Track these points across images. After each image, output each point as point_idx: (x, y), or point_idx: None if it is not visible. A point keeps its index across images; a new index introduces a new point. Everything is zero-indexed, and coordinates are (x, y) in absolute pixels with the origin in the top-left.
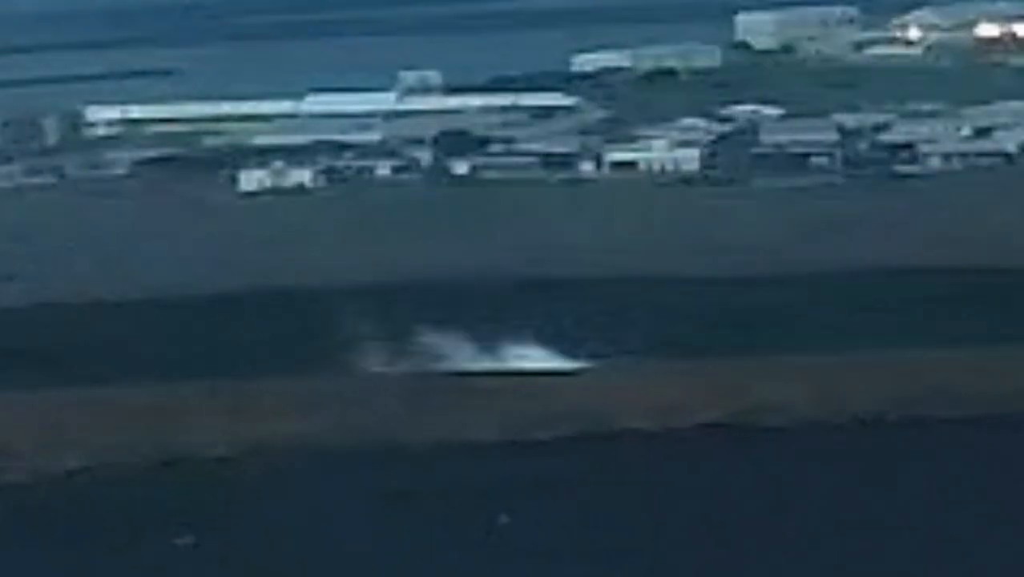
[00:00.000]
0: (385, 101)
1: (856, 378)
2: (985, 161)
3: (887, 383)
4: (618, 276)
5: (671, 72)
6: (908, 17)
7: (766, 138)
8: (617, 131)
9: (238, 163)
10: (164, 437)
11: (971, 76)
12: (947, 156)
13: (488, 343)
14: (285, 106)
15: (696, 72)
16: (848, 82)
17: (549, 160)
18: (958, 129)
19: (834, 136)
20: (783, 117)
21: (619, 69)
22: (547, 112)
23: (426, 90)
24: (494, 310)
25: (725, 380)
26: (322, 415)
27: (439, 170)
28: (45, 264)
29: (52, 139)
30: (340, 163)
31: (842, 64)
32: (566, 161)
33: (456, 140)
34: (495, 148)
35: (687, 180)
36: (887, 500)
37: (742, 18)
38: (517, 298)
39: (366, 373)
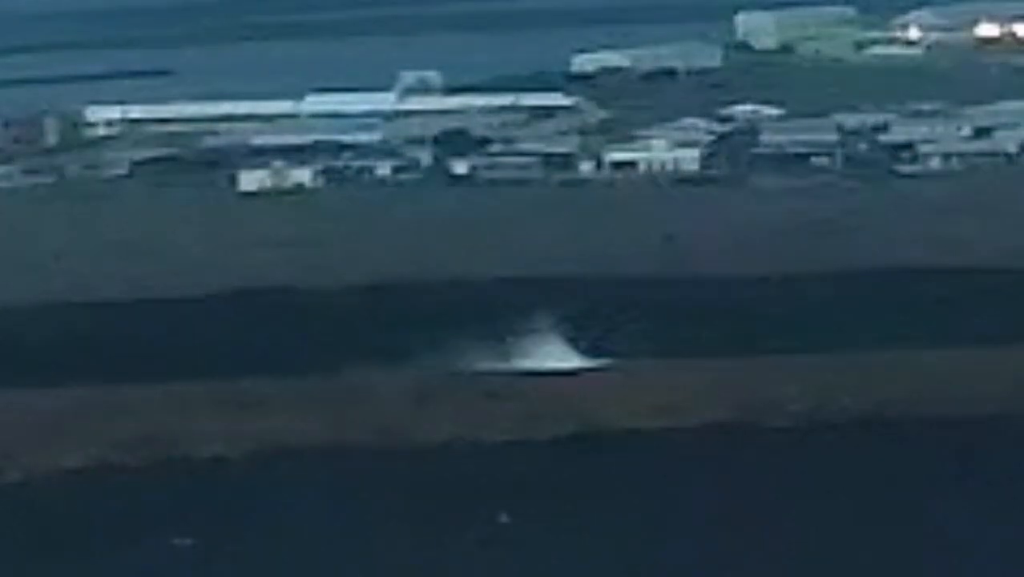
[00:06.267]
0: (385, 101)
1: (856, 378)
2: (985, 161)
3: (887, 383)
4: (619, 276)
5: (671, 72)
6: (908, 17)
7: (766, 138)
8: (617, 131)
9: (238, 163)
10: (164, 437)
11: (971, 76)
12: (947, 156)
13: (487, 343)
14: (285, 106)
15: (696, 72)
16: (848, 82)
17: (549, 160)
18: (958, 129)
19: (834, 136)
20: (783, 117)
21: (619, 69)
22: (547, 112)
23: (426, 90)
24: (494, 310)
25: (726, 380)
26: (322, 415)
27: (439, 170)
28: (45, 264)
29: (52, 139)
30: (340, 163)
31: (842, 64)
32: (566, 161)
33: (456, 140)
34: (495, 148)
35: (687, 180)
36: (887, 499)
37: (742, 18)
38: (516, 298)
39: (366, 372)
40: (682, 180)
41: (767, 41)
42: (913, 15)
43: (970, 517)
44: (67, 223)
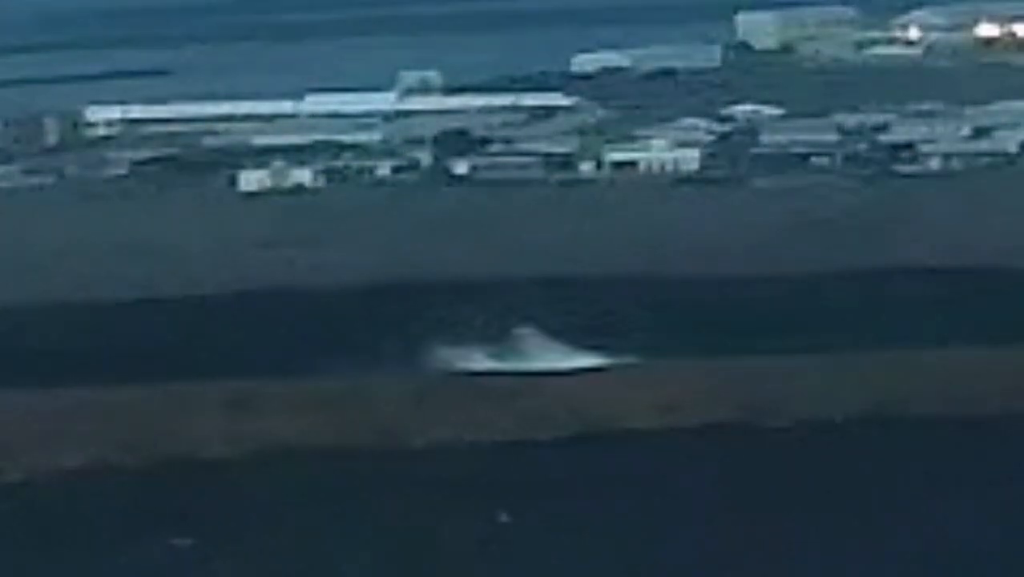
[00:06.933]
0: (385, 101)
1: (856, 378)
2: (985, 161)
3: (887, 383)
4: (618, 276)
5: (671, 72)
6: (908, 17)
7: (766, 138)
8: (617, 131)
9: (238, 163)
10: (164, 437)
11: (971, 76)
12: (947, 156)
13: (487, 344)
14: (285, 106)
15: (696, 72)
16: (848, 82)
17: (549, 160)
18: (958, 129)
19: (834, 136)
20: (783, 117)
21: (619, 69)
22: (547, 112)
23: (426, 90)
24: (493, 311)
25: (726, 380)
26: (322, 415)
27: (439, 170)
28: (45, 264)
29: (52, 139)
30: (340, 163)
31: (842, 64)
32: (566, 161)
33: (456, 140)
34: (495, 148)
35: (687, 180)
36: (887, 499)
37: (742, 18)
38: (516, 299)
39: (366, 373)
40: (682, 180)
41: (767, 41)
42: (913, 15)
43: (970, 517)
44: (67, 223)
